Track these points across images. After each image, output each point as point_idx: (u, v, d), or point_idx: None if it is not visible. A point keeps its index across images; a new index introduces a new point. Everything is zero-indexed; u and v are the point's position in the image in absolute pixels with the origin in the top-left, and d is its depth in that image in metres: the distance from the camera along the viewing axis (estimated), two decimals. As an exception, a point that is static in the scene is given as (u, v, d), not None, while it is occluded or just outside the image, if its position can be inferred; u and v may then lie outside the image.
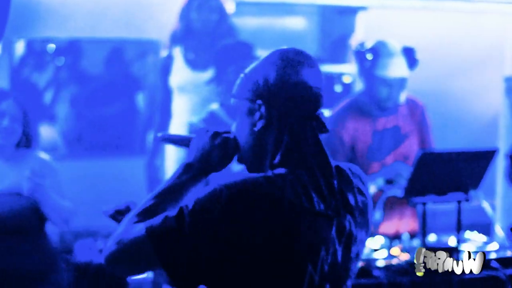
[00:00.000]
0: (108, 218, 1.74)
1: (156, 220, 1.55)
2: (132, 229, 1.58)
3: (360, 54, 3.56)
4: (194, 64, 4.02)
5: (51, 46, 4.74)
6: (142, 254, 1.57)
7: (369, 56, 3.51)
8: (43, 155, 3.22)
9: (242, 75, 1.67)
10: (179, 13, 4.02)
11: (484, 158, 3.28)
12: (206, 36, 3.97)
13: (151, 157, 4.20)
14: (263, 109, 1.60)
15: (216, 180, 1.58)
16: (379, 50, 3.50)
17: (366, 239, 1.71)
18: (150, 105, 4.80)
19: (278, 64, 1.61)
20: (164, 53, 4.14)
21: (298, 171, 1.58)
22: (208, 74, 3.84)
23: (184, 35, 4.02)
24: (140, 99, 5.03)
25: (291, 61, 1.62)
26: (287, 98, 1.60)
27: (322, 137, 1.63)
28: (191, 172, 1.68)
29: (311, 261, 1.56)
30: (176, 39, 4.05)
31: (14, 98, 3.12)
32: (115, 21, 4.59)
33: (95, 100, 4.85)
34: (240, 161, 1.69)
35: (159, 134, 1.90)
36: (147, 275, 4.34)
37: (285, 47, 1.65)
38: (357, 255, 1.68)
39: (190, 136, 1.77)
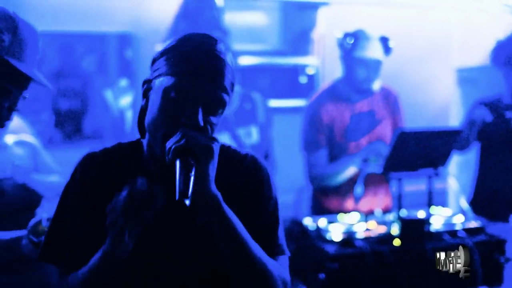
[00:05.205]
0: None
1: None
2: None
3: (341, 40, 3.83)
4: None
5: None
6: None
7: (349, 40, 3.79)
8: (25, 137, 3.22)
9: None
10: (173, 20, 4.19)
11: (452, 136, 3.54)
12: None
13: None
14: None
15: None
16: (359, 35, 3.80)
17: None
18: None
19: None
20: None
21: None
22: None
23: None
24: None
25: None
26: None
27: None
28: None
29: None
30: None
31: None
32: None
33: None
34: None
35: None
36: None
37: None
38: None
39: None
